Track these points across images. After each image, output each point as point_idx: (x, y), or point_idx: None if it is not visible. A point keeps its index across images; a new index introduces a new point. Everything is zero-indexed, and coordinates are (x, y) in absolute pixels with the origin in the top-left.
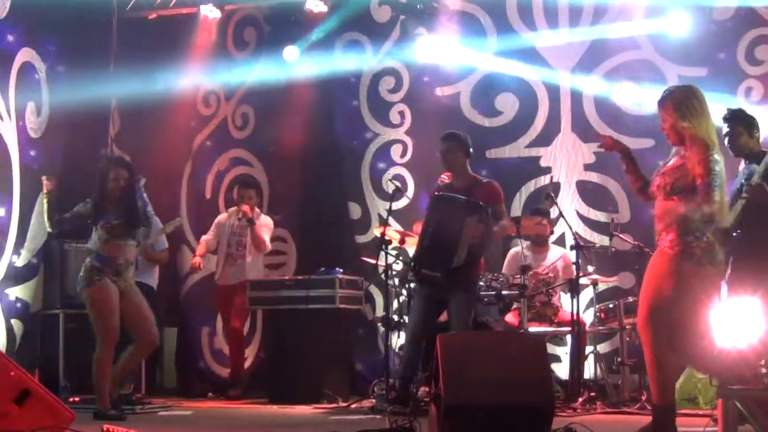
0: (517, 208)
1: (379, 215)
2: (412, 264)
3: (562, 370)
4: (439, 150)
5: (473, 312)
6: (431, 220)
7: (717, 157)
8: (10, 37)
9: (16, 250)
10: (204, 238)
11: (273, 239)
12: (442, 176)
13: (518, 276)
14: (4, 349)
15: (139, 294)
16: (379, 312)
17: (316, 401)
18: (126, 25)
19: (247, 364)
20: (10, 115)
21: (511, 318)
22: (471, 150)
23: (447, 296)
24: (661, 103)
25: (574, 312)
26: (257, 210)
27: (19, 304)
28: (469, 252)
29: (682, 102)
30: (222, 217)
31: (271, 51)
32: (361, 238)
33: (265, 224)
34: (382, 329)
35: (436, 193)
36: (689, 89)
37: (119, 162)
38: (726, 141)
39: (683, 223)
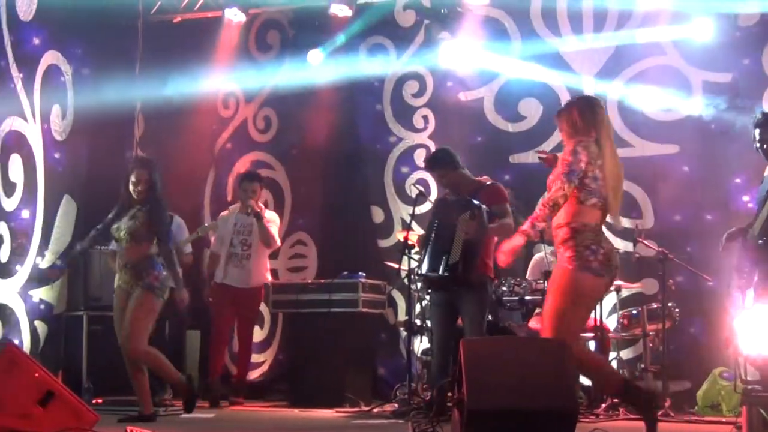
0: None
1: (402, 219)
2: (418, 270)
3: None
4: (439, 178)
5: (486, 312)
6: (431, 224)
7: (579, 148)
8: (36, 40)
9: (40, 252)
10: (211, 252)
11: (294, 243)
12: None
13: (541, 281)
14: (28, 351)
15: (135, 299)
16: (402, 316)
17: (337, 405)
18: (151, 29)
19: (266, 367)
20: (35, 118)
21: (534, 323)
22: (457, 159)
23: (457, 298)
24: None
25: (597, 318)
26: (260, 204)
27: (43, 306)
28: (465, 248)
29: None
30: (224, 213)
31: (295, 54)
32: (384, 243)
33: (272, 219)
34: (404, 333)
35: (437, 198)
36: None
37: (139, 162)
38: (758, 146)
39: (578, 237)
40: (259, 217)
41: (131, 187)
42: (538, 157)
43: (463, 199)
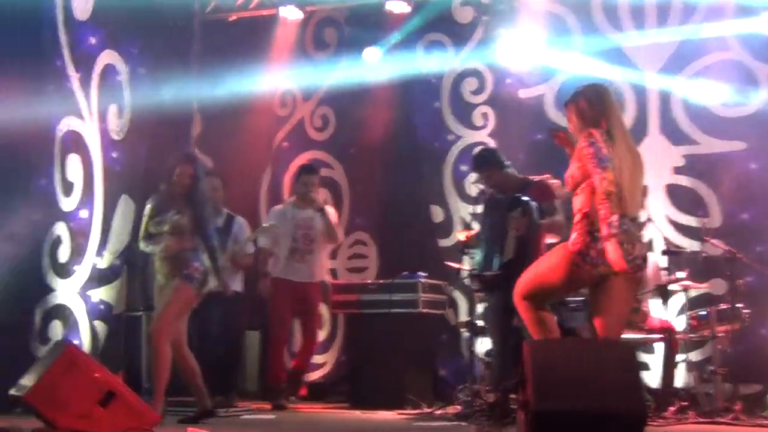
0: None
1: (462, 219)
2: (473, 272)
3: (651, 378)
4: (481, 179)
5: None
6: (482, 224)
7: (591, 140)
8: (93, 39)
9: (99, 252)
10: (264, 244)
11: (354, 243)
12: None
13: None
14: (88, 351)
15: (170, 292)
16: (463, 317)
17: (399, 407)
18: (207, 28)
19: (327, 368)
20: (92, 117)
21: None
22: (503, 158)
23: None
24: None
25: (664, 318)
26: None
27: (102, 306)
28: (518, 246)
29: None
30: (278, 208)
31: (352, 52)
32: (444, 242)
33: (332, 214)
34: (466, 334)
35: (486, 198)
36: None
37: (183, 157)
38: None
39: (587, 220)
40: (322, 211)
41: (176, 182)
42: (550, 134)
43: (513, 197)
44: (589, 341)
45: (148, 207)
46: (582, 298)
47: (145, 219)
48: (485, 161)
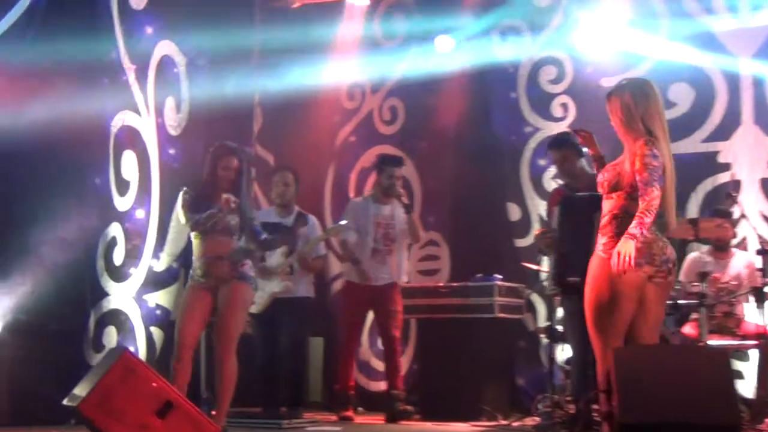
0: (693, 209)
1: (540, 217)
2: (554, 275)
3: (745, 387)
4: (550, 160)
5: None
6: (564, 225)
7: (656, 152)
8: (149, 29)
9: (155, 254)
10: (347, 238)
11: (425, 243)
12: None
13: (696, 283)
14: (144, 359)
15: (230, 293)
16: (542, 322)
17: (474, 418)
18: (268, 16)
19: None
20: (149, 111)
21: (689, 330)
22: (580, 145)
23: None
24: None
25: (761, 324)
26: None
27: (159, 311)
28: None
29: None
30: (359, 200)
31: (423, 40)
32: (521, 242)
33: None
34: (545, 341)
35: (563, 197)
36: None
37: (229, 149)
38: None
39: (616, 222)
40: (409, 209)
41: (221, 175)
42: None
43: (594, 195)
44: (680, 348)
45: (184, 198)
46: (670, 302)
47: (183, 212)
48: (564, 142)
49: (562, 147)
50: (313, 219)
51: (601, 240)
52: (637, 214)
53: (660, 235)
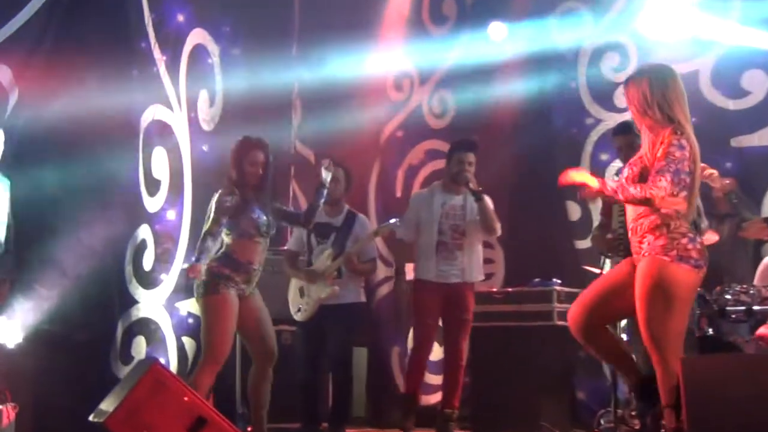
0: None
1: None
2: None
3: None
4: (615, 145)
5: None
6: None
7: (684, 142)
8: (180, 17)
9: (188, 258)
10: (404, 236)
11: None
12: None
13: None
14: (175, 370)
15: (260, 300)
16: None
17: None
18: (308, 1)
19: None
20: (180, 105)
21: (764, 330)
22: None
23: None
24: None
25: None
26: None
27: (191, 320)
28: None
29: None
30: (424, 191)
31: (475, 26)
32: (582, 244)
33: (488, 200)
34: None
35: None
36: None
37: (258, 144)
38: None
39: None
40: (479, 198)
41: (248, 171)
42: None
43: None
44: (754, 357)
45: (227, 200)
46: (743, 308)
47: (215, 214)
48: (631, 127)
49: (629, 133)
50: (363, 218)
51: (656, 243)
52: (635, 185)
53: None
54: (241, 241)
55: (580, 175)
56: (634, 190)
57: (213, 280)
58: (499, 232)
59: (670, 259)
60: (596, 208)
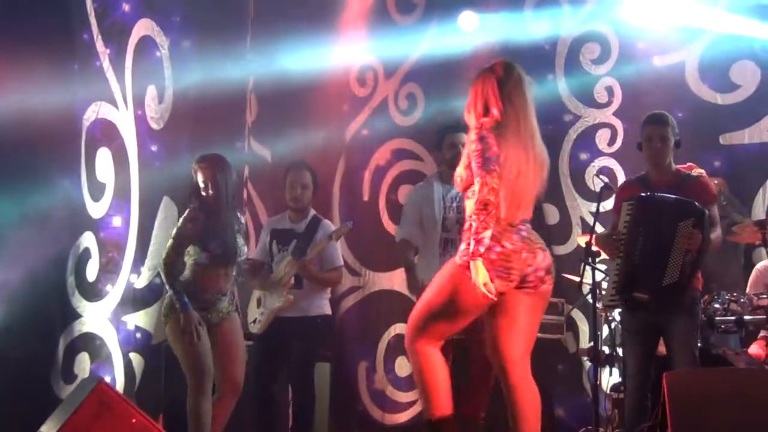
0: (760, 209)
1: (582, 219)
2: (616, 286)
3: None
4: (642, 135)
5: (697, 339)
6: (637, 228)
7: (485, 133)
8: (126, 6)
9: (136, 268)
10: (405, 235)
11: None
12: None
13: (765, 296)
14: (122, 389)
15: (235, 324)
16: (585, 343)
17: None
18: None
19: (419, 407)
20: (126, 103)
21: (756, 350)
22: (680, 140)
23: (663, 323)
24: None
25: None
26: None
27: (139, 334)
28: (684, 267)
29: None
30: (420, 184)
31: (444, 16)
32: (560, 249)
33: None
34: (588, 364)
35: (640, 195)
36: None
37: (217, 164)
38: None
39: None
40: None
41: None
42: None
43: (683, 200)
44: (745, 372)
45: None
46: (733, 318)
47: (193, 244)
48: (673, 126)
49: (662, 122)
50: (327, 223)
51: (461, 246)
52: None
53: (532, 242)
54: (197, 269)
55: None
56: (476, 224)
57: (169, 306)
58: None
59: (460, 262)
60: (576, 212)
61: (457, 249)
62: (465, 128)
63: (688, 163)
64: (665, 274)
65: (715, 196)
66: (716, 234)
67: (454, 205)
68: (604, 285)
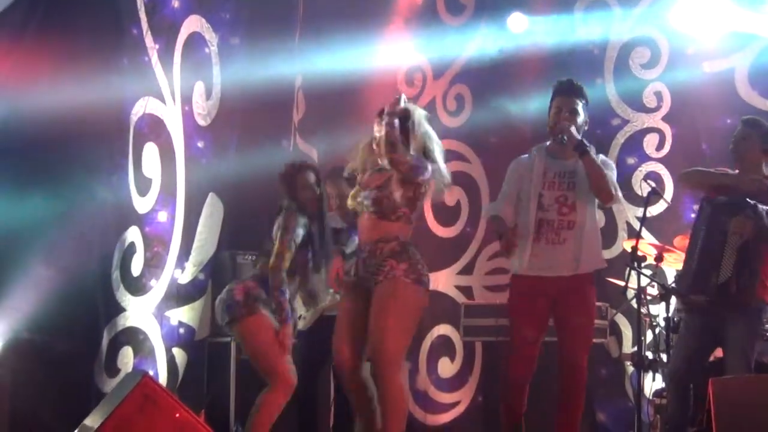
0: None
1: (629, 224)
2: (675, 287)
3: None
4: (733, 137)
5: (755, 347)
6: (697, 231)
7: None
8: (176, 2)
9: (180, 263)
10: (496, 211)
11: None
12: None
13: None
14: (165, 384)
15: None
16: (628, 348)
17: None
18: None
19: (461, 408)
20: (174, 99)
21: None
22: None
23: (722, 326)
24: None
25: None
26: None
27: (182, 330)
28: (739, 261)
29: None
30: (523, 157)
31: (494, 17)
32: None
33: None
34: (631, 369)
35: (702, 199)
36: None
37: (306, 166)
38: None
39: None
40: (582, 146)
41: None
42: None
43: (737, 199)
44: None
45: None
46: None
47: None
48: (762, 131)
49: (751, 126)
50: None
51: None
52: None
53: None
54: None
55: None
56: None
57: (248, 300)
58: (615, 198)
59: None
60: (622, 216)
61: (556, 233)
62: (575, 91)
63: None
64: (719, 273)
65: None
66: None
67: (557, 182)
68: (650, 290)
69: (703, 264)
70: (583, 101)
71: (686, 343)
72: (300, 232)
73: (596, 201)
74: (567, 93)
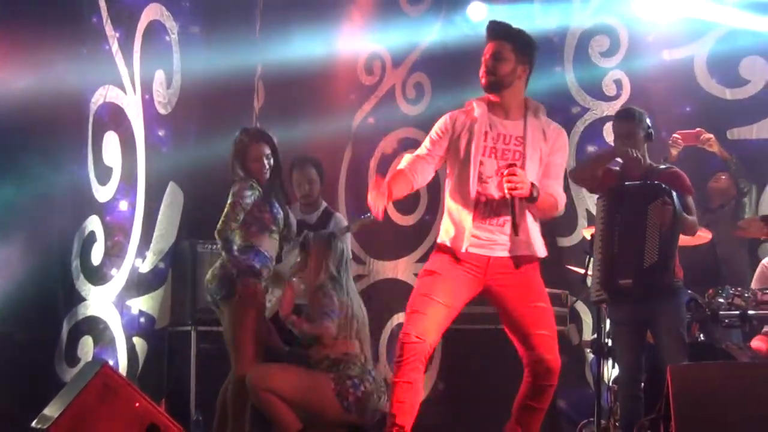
0: (767, 204)
1: (588, 212)
2: (601, 279)
3: None
4: (614, 132)
5: (685, 326)
6: (612, 220)
7: None
8: None
9: (141, 252)
10: None
11: None
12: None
13: None
14: (124, 373)
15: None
16: (588, 335)
17: None
18: None
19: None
20: (134, 88)
21: (758, 344)
22: (652, 132)
23: (648, 312)
24: None
25: None
26: None
27: (142, 319)
28: (661, 245)
29: None
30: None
31: (453, 6)
32: (565, 241)
33: None
34: (591, 356)
35: (609, 188)
36: None
37: (260, 136)
38: None
39: None
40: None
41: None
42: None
43: (648, 184)
44: (748, 366)
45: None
46: (737, 312)
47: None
48: (642, 120)
49: (629, 118)
50: (340, 217)
51: None
52: None
53: None
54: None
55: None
56: None
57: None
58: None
59: None
60: (582, 203)
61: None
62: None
63: (697, 129)
64: (644, 256)
65: (690, 187)
66: (692, 220)
67: (501, 148)
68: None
69: (625, 250)
70: (513, 45)
71: (623, 334)
72: (248, 201)
73: None
74: (491, 36)
